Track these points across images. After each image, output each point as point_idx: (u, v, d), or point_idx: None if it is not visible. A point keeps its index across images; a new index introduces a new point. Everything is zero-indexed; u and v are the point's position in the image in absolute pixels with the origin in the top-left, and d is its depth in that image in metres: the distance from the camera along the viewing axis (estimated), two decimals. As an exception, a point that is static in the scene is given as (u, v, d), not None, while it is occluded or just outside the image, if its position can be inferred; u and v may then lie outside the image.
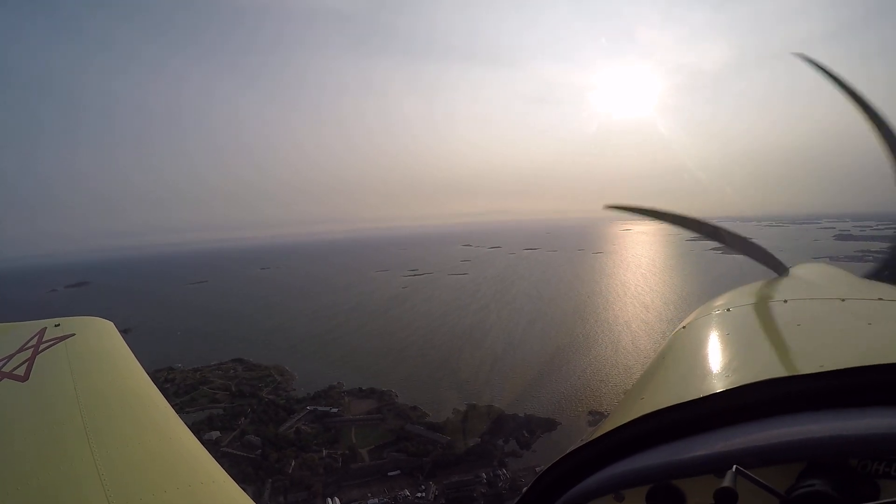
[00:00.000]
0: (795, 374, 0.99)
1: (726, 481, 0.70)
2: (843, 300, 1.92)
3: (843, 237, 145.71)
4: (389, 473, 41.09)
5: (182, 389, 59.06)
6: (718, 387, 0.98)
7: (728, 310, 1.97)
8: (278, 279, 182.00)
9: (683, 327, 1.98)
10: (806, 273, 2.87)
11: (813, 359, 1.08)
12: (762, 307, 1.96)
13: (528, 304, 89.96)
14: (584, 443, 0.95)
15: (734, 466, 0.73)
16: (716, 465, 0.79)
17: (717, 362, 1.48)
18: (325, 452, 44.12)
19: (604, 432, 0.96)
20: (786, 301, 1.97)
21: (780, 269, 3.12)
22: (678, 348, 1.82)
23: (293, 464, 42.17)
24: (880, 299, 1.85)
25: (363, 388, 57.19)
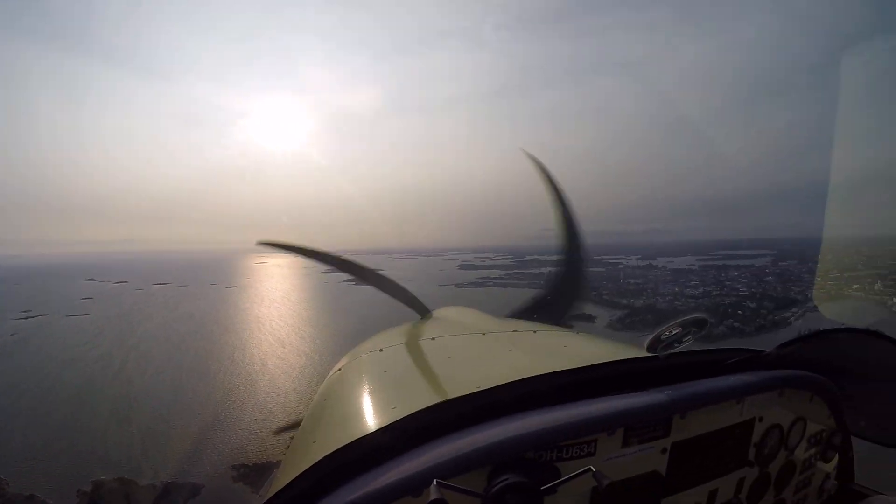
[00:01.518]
0: (459, 396, 1.10)
1: (432, 495, 0.76)
2: (484, 334, 2.22)
3: (465, 267, 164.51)
4: None
5: None
6: (391, 418, 1.03)
7: (381, 350, 2.08)
8: None
9: (339, 370, 2.02)
10: (447, 314, 3.26)
11: (471, 381, 1.18)
12: (413, 345, 2.13)
13: (155, 349, 77.81)
14: (267, 500, 0.95)
15: (434, 481, 0.79)
16: (414, 485, 0.84)
17: (384, 396, 1.54)
18: None
19: (287, 482, 0.96)
20: (434, 338, 2.17)
21: (422, 311, 3.45)
22: (339, 390, 1.84)
23: None
24: (515, 331, 2.32)
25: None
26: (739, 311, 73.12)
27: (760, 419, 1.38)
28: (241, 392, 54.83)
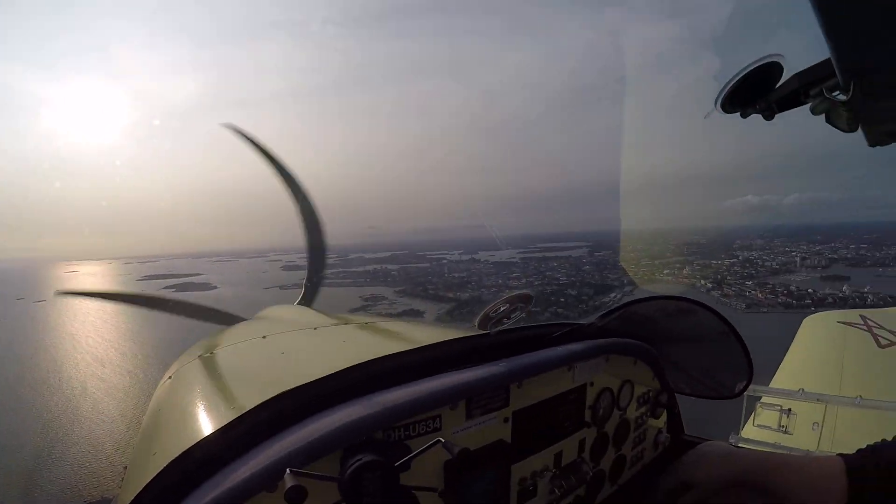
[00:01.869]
0: (301, 384, 1.10)
1: (287, 484, 0.74)
2: (315, 328, 2.26)
3: (289, 267, 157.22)
4: None
5: None
6: (232, 416, 1.01)
7: (210, 353, 2.05)
8: None
9: (169, 378, 2.00)
10: (274, 313, 3.23)
11: (308, 373, 1.20)
12: (243, 346, 2.11)
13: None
14: None
15: (287, 470, 0.77)
16: (267, 479, 0.81)
17: (221, 397, 1.50)
18: None
19: (129, 501, 0.91)
20: (265, 337, 2.15)
21: (235, 321, 3.39)
22: (171, 398, 1.79)
23: None
24: (347, 324, 2.34)
25: None
26: (562, 299, 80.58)
27: (591, 384, 1.50)
28: (62, 422, 49.39)
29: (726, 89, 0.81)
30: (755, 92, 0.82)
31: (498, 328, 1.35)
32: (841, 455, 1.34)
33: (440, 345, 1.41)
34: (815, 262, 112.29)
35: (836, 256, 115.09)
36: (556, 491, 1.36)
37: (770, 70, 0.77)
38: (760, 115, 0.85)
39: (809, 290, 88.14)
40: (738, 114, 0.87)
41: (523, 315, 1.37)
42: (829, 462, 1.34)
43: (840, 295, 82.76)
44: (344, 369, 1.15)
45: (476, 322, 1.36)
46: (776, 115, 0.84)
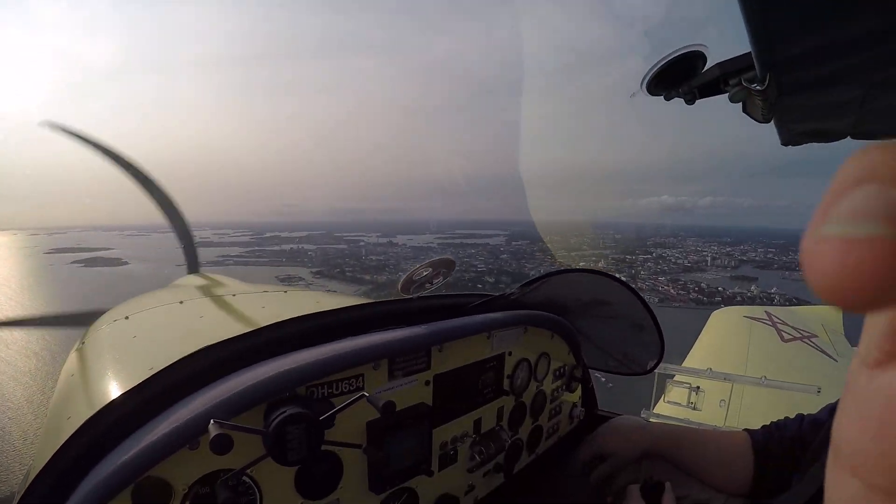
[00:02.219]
0: (219, 341, 1.09)
1: (212, 433, 0.73)
2: (234, 295, 2.28)
3: (204, 244, 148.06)
4: None
5: None
6: (150, 373, 0.98)
7: (126, 318, 2.01)
8: None
9: (83, 342, 1.94)
10: (191, 281, 3.26)
11: (228, 333, 1.18)
12: (160, 311, 2.08)
13: None
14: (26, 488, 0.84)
15: (211, 420, 0.77)
16: (190, 433, 0.79)
17: (138, 358, 1.50)
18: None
19: (43, 465, 0.85)
20: (182, 302, 2.14)
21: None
22: (86, 362, 1.71)
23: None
24: (265, 291, 2.42)
25: None
26: (479, 286, 78.19)
27: (510, 353, 1.52)
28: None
29: (651, 72, 0.84)
30: (679, 77, 0.85)
31: (420, 293, 1.35)
32: (747, 430, 1.43)
33: (363, 306, 1.43)
34: (726, 263, 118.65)
35: (745, 258, 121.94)
36: (477, 457, 1.39)
37: (694, 58, 0.82)
38: (682, 100, 0.89)
39: (720, 289, 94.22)
40: (662, 96, 0.90)
41: (446, 280, 1.37)
42: (735, 437, 1.44)
43: (748, 294, 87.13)
44: (266, 326, 1.14)
45: (399, 286, 1.35)
46: (697, 101, 0.87)
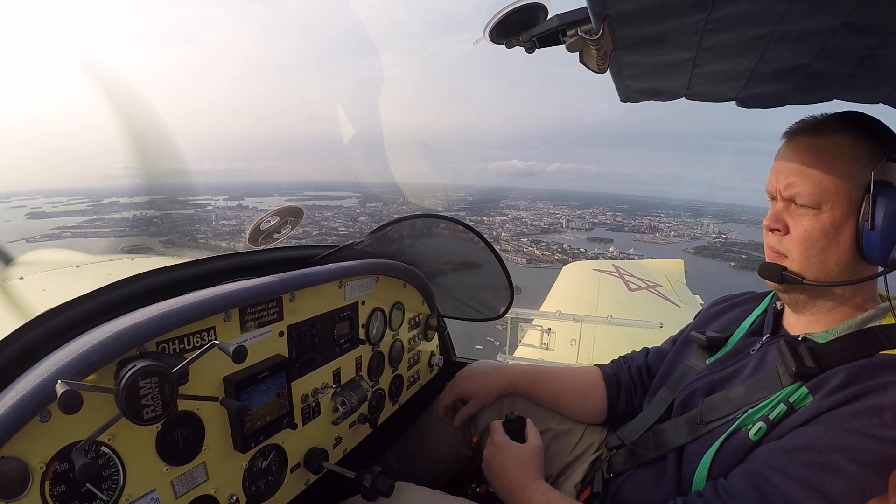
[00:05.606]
0: (59, 304, 1.03)
1: (59, 391, 0.69)
2: (78, 266, 2.18)
3: (36, 215, 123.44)
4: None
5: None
6: None
7: None
8: None
9: None
10: (31, 258, 3.02)
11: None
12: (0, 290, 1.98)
13: None
14: None
15: (59, 381, 0.72)
16: (37, 402, 0.74)
17: None
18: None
19: None
20: (22, 278, 2.02)
21: None
22: None
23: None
24: (111, 260, 2.31)
25: None
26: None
27: (363, 303, 1.51)
28: None
29: (493, 20, 0.87)
30: (520, 27, 0.88)
31: (269, 244, 1.34)
32: (598, 365, 1.58)
33: (211, 259, 1.41)
34: (579, 225, 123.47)
35: (596, 221, 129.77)
36: (340, 408, 1.39)
37: (536, 9, 0.85)
38: (523, 48, 0.92)
39: (581, 249, 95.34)
40: (504, 44, 0.93)
41: (294, 230, 1.36)
42: (588, 371, 1.58)
43: (609, 255, 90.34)
44: (111, 283, 1.11)
45: (247, 236, 1.33)
46: (536, 50, 0.91)
